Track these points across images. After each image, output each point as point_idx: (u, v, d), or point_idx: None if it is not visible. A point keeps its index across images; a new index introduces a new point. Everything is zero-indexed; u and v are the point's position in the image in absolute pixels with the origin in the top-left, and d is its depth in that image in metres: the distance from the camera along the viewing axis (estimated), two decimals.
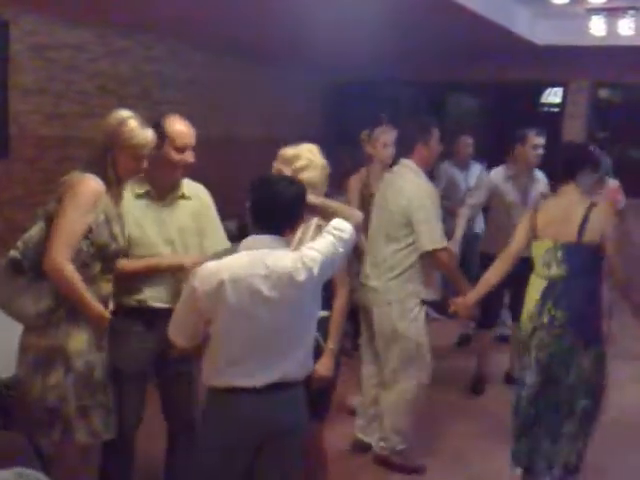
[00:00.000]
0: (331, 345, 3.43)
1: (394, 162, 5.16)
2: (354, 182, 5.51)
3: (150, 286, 3.43)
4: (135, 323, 3.42)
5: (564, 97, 9.71)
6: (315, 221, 3.47)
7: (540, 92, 10.73)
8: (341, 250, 2.90)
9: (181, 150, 3.41)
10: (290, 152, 3.52)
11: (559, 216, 3.87)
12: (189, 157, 3.47)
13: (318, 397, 3.42)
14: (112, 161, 3.15)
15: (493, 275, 4.12)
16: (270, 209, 2.82)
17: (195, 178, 3.68)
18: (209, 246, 3.59)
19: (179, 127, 3.44)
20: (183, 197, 3.54)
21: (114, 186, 3.20)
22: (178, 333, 2.88)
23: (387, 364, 4.42)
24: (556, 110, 9.99)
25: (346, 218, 3.00)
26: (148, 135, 3.20)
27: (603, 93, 10.09)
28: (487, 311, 5.36)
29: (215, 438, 2.82)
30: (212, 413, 2.85)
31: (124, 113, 3.20)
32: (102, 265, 3.17)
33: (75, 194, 3.05)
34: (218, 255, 3.02)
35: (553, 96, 10.38)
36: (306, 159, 3.49)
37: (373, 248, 4.48)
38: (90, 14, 6.07)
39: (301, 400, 2.90)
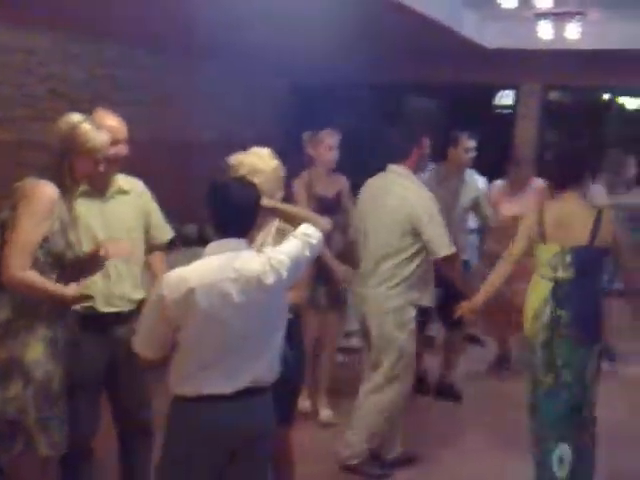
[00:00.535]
0: None
1: (341, 165, 5.22)
2: (298, 186, 5.24)
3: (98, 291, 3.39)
4: (86, 330, 3.36)
5: (516, 99, 9.86)
6: (276, 224, 3.48)
7: (493, 94, 10.88)
8: (308, 255, 2.94)
9: (112, 144, 3.36)
10: (233, 160, 3.46)
11: (567, 221, 3.92)
12: (122, 150, 3.47)
13: (285, 402, 3.44)
14: (69, 166, 3.11)
15: (497, 278, 4.16)
16: (228, 212, 2.81)
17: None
18: (156, 236, 3.69)
19: (109, 122, 3.43)
20: (121, 191, 3.54)
21: (69, 192, 3.17)
22: (146, 345, 2.79)
23: (379, 370, 4.39)
24: (509, 112, 10.14)
25: (312, 224, 3.04)
26: (103, 138, 3.18)
27: (553, 95, 10.27)
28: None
29: (183, 448, 2.76)
30: (179, 422, 2.79)
31: (76, 117, 3.16)
32: (57, 274, 3.12)
33: (30, 202, 3.01)
34: None
35: (506, 98, 10.53)
36: (249, 166, 3.41)
37: (370, 256, 4.39)
38: (41, 18, 6.00)
39: (270, 404, 2.90)
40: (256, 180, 3.42)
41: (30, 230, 2.98)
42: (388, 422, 4.46)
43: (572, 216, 3.93)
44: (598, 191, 6.17)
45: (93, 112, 3.45)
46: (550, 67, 8.85)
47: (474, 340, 6.89)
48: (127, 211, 3.55)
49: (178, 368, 2.77)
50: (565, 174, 4.03)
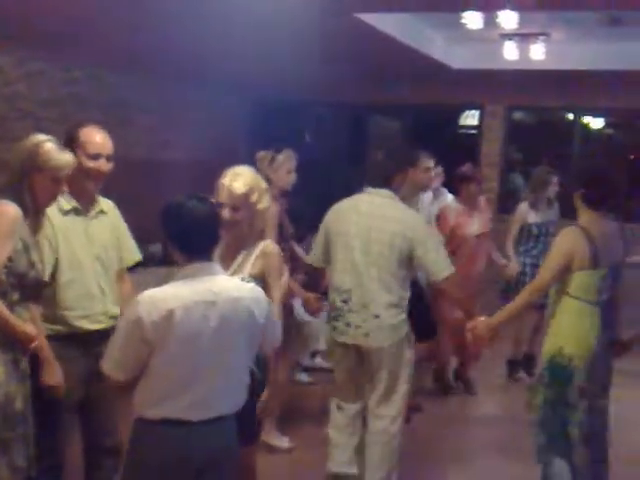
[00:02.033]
0: None
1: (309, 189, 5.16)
2: (273, 209, 5.13)
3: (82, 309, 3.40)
4: (70, 348, 3.35)
5: (480, 120, 9.96)
6: (261, 246, 3.48)
7: (458, 114, 11.00)
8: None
9: (94, 158, 3.38)
10: (241, 187, 3.38)
11: (610, 240, 3.86)
12: (103, 165, 3.44)
13: (251, 422, 3.43)
14: (29, 186, 3.08)
15: (521, 305, 4.01)
16: (195, 232, 2.75)
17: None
18: (127, 258, 3.67)
19: (93, 135, 3.43)
20: (102, 212, 3.55)
21: (31, 213, 3.13)
22: (117, 367, 2.72)
23: (392, 394, 4.16)
24: (474, 132, 10.24)
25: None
26: (65, 157, 3.15)
27: (517, 116, 10.40)
28: (428, 323, 5.31)
29: (145, 471, 2.72)
30: (142, 445, 2.74)
31: (39, 137, 3.15)
32: (20, 293, 3.08)
33: None
34: None
35: (471, 118, 10.65)
36: (258, 189, 3.41)
37: (371, 290, 4.08)
38: (6, 37, 5.97)
39: (234, 428, 2.87)
40: (263, 205, 3.44)
41: None
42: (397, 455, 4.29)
43: (612, 237, 3.88)
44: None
45: (80, 127, 3.45)
46: (515, 87, 8.97)
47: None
48: (105, 231, 3.56)
49: (146, 391, 2.71)
50: (602, 194, 3.92)
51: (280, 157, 5.02)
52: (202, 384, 2.69)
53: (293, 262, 4.87)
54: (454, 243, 5.69)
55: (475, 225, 5.90)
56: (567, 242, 3.81)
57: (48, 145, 3.12)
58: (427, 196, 6.17)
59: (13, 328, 3.01)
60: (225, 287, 2.75)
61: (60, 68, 7.15)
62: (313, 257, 4.40)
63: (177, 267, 2.78)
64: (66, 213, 3.40)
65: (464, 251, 5.77)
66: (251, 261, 3.45)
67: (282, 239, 4.89)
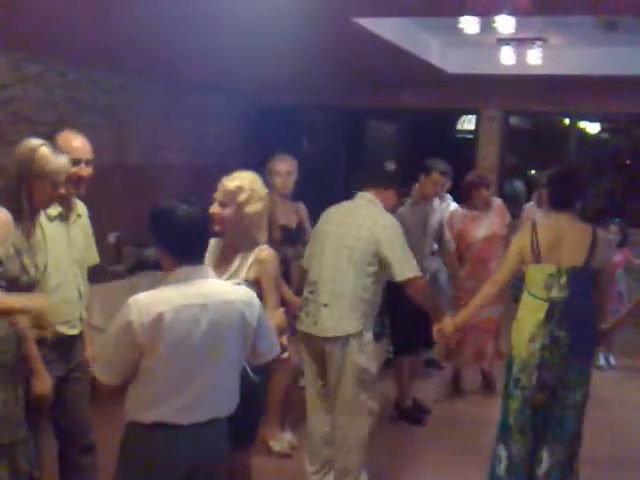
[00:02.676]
0: None
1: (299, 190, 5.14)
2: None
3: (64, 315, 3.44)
4: (48, 354, 3.36)
5: (477, 124, 9.97)
6: (256, 252, 3.48)
7: (455, 119, 11.01)
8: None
9: (74, 163, 3.43)
10: (232, 185, 3.48)
11: (562, 241, 3.98)
12: (83, 170, 3.53)
13: (247, 426, 3.42)
14: (27, 191, 3.12)
15: (481, 299, 4.24)
16: (186, 238, 2.75)
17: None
18: (90, 258, 3.80)
19: (71, 140, 3.52)
20: (79, 216, 3.65)
21: (27, 217, 3.16)
22: (108, 371, 2.73)
23: (340, 398, 4.22)
24: (471, 137, 10.25)
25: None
26: (62, 161, 3.19)
27: (514, 121, 10.41)
28: (408, 336, 5.40)
29: (137, 475, 2.73)
30: (133, 449, 2.74)
31: (35, 141, 3.18)
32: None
33: None
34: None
35: (468, 123, 10.66)
36: (249, 190, 3.48)
37: (331, 280, 4.20)
38: (1, 40, 5.96)
39: (225, 432, 2.87)
40: (252, 207, 3.45)
41: None
42: (364, 452, 4.38)
43: (567, 236, 3.99)
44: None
45: (58, 134, 3.52)
46: (511, 92, 8.97)
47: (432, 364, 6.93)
48: (80, 234, 3.65)
49: (137, 395, 2.72)
50: (565, 195, 4.09)
51: (272, 161, 5.06)
52: (193, 387, 2.69)
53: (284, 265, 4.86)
54: (462, 246, 6.05)
55: (483, 229, 5.99)
56: (519, 237, 4.13)
57: (43, 150, 3.15)
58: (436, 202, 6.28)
59: (17, 307, 3.00)
60: (216, 290, 2.75)
61: (56, 71, 7.12)
62: (304, 261, 4.53)
63: (165, 271, 2.78)
64: (52, 219, 3.46)
65: (471, 254, 6.05)
66: (247, 266, 3.46)
67: (290, 243, 4.92)
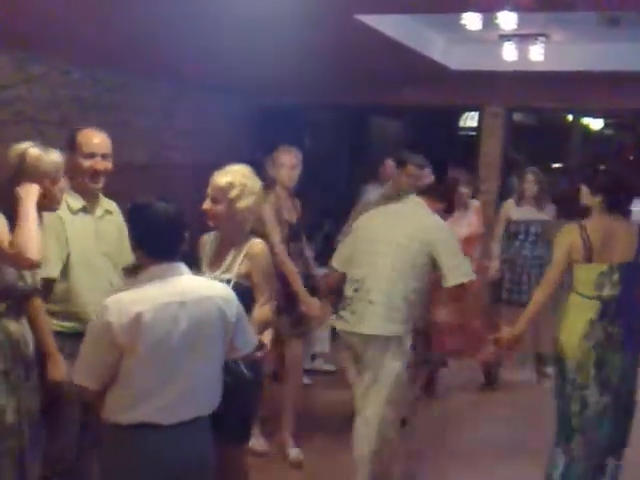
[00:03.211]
0: None
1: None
2: (269, 209, 4.75)
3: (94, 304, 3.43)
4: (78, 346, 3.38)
5: (480, 121, 9.95)
6: (249, 246, 3.49)
7: (458, 116, 11.00)
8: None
9: (89, 157, 3.48)
10: (223, 180, 3.48)
11: (613, 240, 3.97)
12: (98, 164, 3.54)
13: (238, 423, 3.43)
14: None
15: (536, 307, 4.13)
16: (161, 234, 2.76)
17: (118, 204, 3.70)
18: (125, 260, 3.69)
19: (89, 136, 3.56)
20: (108, 212, 3.67)
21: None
22: (88, 376, 2.70)
23: (371, 401, 4.17)
24: (474, 134, 10.24)
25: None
26: (53, 158, 3.20)
27: (517, 117, 10.39)
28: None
29: (120, 476, 2.71)
30: (115, 450, 2.72)
31: (22, 145, 3.18)
32: (7, 305, 3.09)
33: None
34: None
35: (470, 120, 10.65)
36: (240, 186, 3.48)
37: (383, 279, 4.10)
38: (4, 39, 5.96)
39: (208, 431, 2.84)
40: (244, 203, 3.46)
41: None
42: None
43: (618, 234, 3.98)
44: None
45: (78, 131, 3.60)
46: (514, 89, 8.95)
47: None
48: (113, 231, 3.66)
49: (117, 396, 2.69)
50: (620, 200, 4.07)
51: (276, 153, 5.02)
52: (174, 387, 2.67)
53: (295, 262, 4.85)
54: None
55: (463, 229, 5.98)
56: (564, 238, 4.03)
57: (32, 151, 3.14)
58: None
59: None
60: (193, 287, 2.74)
61: (60, 71, 7.13)
62: (337, 261, 4.39)
63: (140, 269, 2.78)
64: (76, 212, 3.50)
65: None
66: (239, 260, 3.47)
67: (293, 239, 4.92)
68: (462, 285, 4.11)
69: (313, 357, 6.71)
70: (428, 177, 6.11)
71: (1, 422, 3.04)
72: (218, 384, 2.86)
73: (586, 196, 4.10)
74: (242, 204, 3.46)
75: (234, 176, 3.50)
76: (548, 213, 6.73)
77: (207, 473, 2.87)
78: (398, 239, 4.12)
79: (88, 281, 3.49)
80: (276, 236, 4.71)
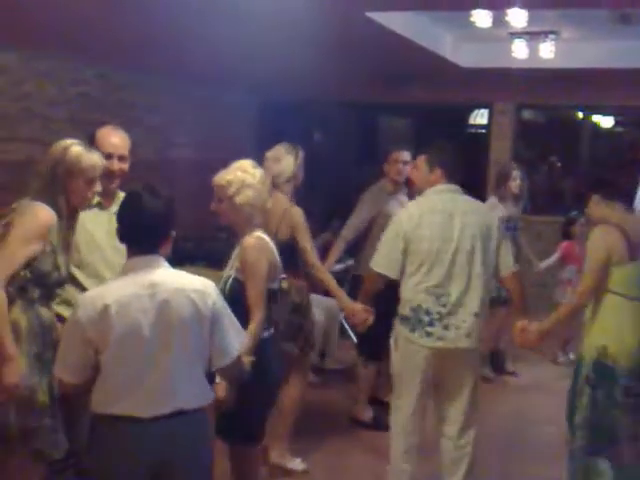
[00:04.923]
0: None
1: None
2: (298, 214, 4.59)
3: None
4: None
5: (489, 118, 9.93)
6: (244, 240, 3.49)
7: (468, 113, 10.96)
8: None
9: (106, 157, 3.51)
10: (223, 179, 3.53)
11: None
12: (114, 165, 3.61)
13: (242, 421, 3.41)
14: (63, 190, 3.20)
15: (571, 312, 4.03)
16: (137, 227, 2.75)
17: None
18: None
19: (108, 136, 3.63)
20: None
21: (65, 215, 3.24)
22: (65, 369, 2.73)
23: (460, 411, 4.05)
24: (483, 131, 10.21)
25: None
26: (95, 157, 3.29)
27: (527, 114, 10.36)
28: (376, 342, 5.19)
29: (101, 466, 2.71)
30: (98, 441, 2.72)
31: (67, 141, 3.27)
32: (41, 291, 3.20)
33: (23, 223, 3.09)
34: None
35: (480, 117, 10.61)
36: (237, 182, 3.49)
37: (477, 287, 3.93)
38: (13, 36, 5.97)
39: (198, 422, 2.79)
40: (242, 197, 3.46)
41: (17, 250, 3.06)
42: None
43: None
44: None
45: (99, 128, 3.67)
46: (524, 86, 8.92)
47: None
48: None
49: (97, 388, 2.69)
50: (617, 184, 4.02)
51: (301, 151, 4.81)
52: (152, 379, 2.65)
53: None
54: None
55: None
56: (602, 240, 3.84)
57: (76, 148, 3.24)
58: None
59: (4, 343, 3.03)
60: (165, 279, 2.70)
61: (69, 68, 7.13)
62: (385, 266, 4.05)
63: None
64: (90, 207, 3.54)
65: None
66: (237, 255, 3.50)
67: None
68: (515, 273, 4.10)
69: (322, 356, 6.69)
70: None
71: (33, 401, 3.12)
72: (201, 378, 2.81)
73: (596, 205, 3.99)
74: (241, 199, 3.49)
75: (233, 173, 3.54)
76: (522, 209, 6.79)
77: (197, 469, 2.79)
78: (470, 240, 3.92)
79: (93, 269, 3.55)
80: (308, 245, 4.51)
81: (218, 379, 3.16)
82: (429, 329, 3.91)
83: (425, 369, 3.98)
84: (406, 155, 5.58)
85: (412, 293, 3.95)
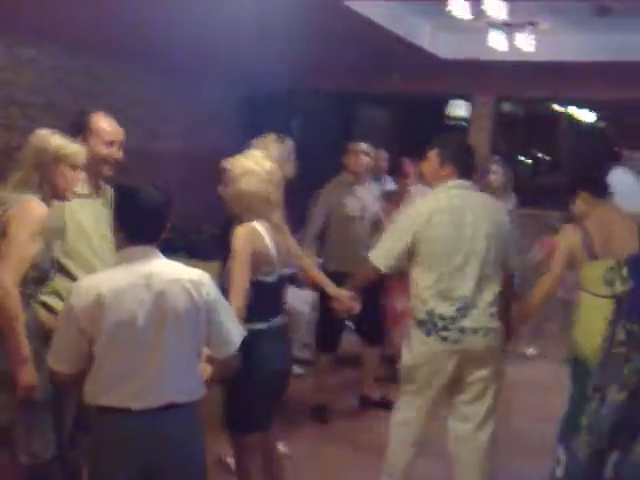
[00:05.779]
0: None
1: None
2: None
3: None
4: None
5: (469, 110, 9.95)
6: (237, 228, 3.49)
7: (446, 104, 10.98)
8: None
9: (109, 145, 3.51)
10: (230, 164, 3.55)
11: (613, 233, 3.85)
12: (116, 152, 3.57)
13: (240, 409, 3.43)
14: (47, 178, 3.19)
15: (532, 310, 4.09)
16: (141, 218, 2.74)
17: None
18: None
19: (105, 122, 3.59)
20: (104, 195, 3.64)
21: (50, 204, 3.23)
22: (59, 359, 2.70)
23: (481, 404, 3.94)
24: (462, 123, 10.24)
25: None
26: (76, 145, 3.27)
27: (506, 107, 10.41)
28: (329, 335, 5.20)
29: (97, 455, 2.72)
30: (96, 432, 2.73)
31: (46, 130, 3.26)
32: (37, 288, 3.22)
33: (25, 219, 3.08)
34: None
35: (458, 109, 10.64)
36: (242, 168, 3.50)
37: (491, 285, 3.85)
38: None
39: (191, 415, 2.77)
40: (251, 180, 3.45)
41: (25, 247, 3.07)
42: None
43: (616, 227, 3.87)
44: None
45: (89, 114, 3.60)
46: (503, 78, 8.94)
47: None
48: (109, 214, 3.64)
49: (91, 379, 2.68)
50: (603, 184, 4.01)
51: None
52: (144, 371, 2.64)
53: None
54: None
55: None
56: (564, 239, 3.96)
57: (57, 136, 3.23)
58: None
59: (20, 343, 3.06)
60: (161, 270, 2.70)
61: (49, 55, 7.08)
62: (384, 262, 3.94)
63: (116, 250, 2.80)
64: (79, 196, 3.47)
65: None
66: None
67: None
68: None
69: (305, 347, 6.65)
70: (381, 157, 6.31)
71: (33, 399, 3.13)
72: (195, 371, 2.79)
73: (584, 203, 4.01)
74: (241, 185, 3.46)
75: (242, 160, 3.55)
76: (509, 203, 6.72)
77: (186, 464, 2.76)
78: (484, 241, 3.82)
79: (82, 256, 3.48)
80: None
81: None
82: (444, 333, 3.78)
83: (442, 373, 3.85)
84: (364, 146, 5.62)
85: (424, 296, 3.83)
